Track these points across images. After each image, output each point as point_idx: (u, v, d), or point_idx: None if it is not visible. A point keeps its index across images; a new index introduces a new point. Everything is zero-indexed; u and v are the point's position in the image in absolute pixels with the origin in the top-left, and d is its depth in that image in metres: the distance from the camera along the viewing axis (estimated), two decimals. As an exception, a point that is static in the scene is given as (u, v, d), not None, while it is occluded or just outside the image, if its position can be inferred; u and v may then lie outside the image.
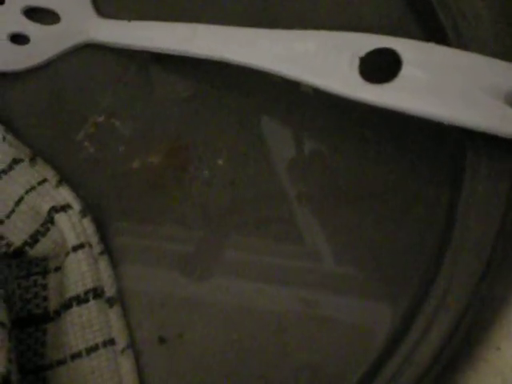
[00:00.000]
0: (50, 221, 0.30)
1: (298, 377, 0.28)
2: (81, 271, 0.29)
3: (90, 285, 0.29)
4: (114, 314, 0.29)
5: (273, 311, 0.29)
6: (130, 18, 0.34)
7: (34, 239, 0.30)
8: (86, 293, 0.29)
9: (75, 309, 0.29)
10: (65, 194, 0.31)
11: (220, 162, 0.32)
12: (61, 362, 0.29)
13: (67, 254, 0.29)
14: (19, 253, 0.30)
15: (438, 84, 0.27)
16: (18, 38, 0.35)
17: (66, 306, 0.29)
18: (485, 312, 0.28)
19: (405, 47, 0.27)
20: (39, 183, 0.31)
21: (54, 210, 0.30)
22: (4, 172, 0.31)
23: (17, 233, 0.31)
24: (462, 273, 0.27)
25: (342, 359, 0.28)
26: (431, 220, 0.29)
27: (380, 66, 0.27)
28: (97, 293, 0.29)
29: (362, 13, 0.33)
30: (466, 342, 0.27)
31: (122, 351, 0.29)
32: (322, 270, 0.30)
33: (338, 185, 0.31)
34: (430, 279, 0.27)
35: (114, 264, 0.30)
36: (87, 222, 0.30)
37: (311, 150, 0.32)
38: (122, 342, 0.29)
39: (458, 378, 0.27)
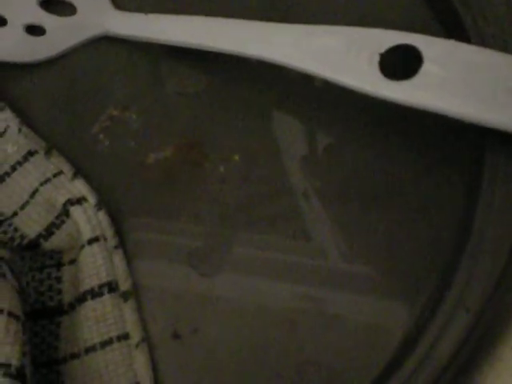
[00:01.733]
0: (65, 213, 0.30)
1: (311, 374, 0.28)
2: (96, 265, 0.29)
3: (104, 278, 0.29)
4: (129, 309, 0.29)
5: (285, 308, 0.29)
6: (146, 11, 0.34)
7: (49, 232, 0.30)
8: (101, 286, 0.29)
9: (90, 302, 0.29)
10: (80, 187, 0.31)
11: (236, 157, 0.31)
12: (75, 356, 0.29)
13: (82, 246, 0.29)
14: (33, 245, 0.30)
15: (459, 81, 0.26)
16: (34, 30, 0.35)
17: (81, 299, 0.29)
18: (501, 312, 0.28)
19: (426, 44, 0.27)
20: (54, 175, 0.31)
21: (70, 202, 0.30)
22: (19, 164, 0.31)
23: (31, 225, 0.31)
24: (480, 272, 0.26)
25: (356, 358, 0.28)
26: (449, 221, 0.29)
27: (400, 63, 0.27)
28: (111, 287, 0.29)
29: (380, 9, 0.33)
30: (482, 342, 0.27)
31: (137, 345, 0.28)
32: (334, 268, 0.30)
33: (352, 182, 0.31)
34: (447, 279, 0.27)
35: (129, 258, 0.30)
36: (102, 215, 0.30)
37: (325, 147, 0.31)
38: (136, 336, 0.29)
39: (474, 377, 0.27)
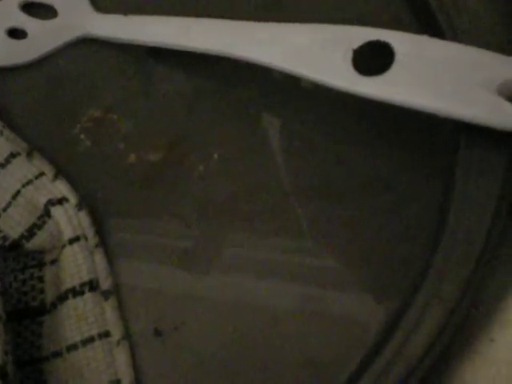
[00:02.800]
0: (46, 214, 0.30)
1: (294, 370, 0.28)
2: (77, 264, 0.29)
3: (85, 277, 0.29)
4: (109, 307, 0.29)
5: (269, 305, 0.29)
6: (126, 13, 0.34)
7: (31, 232, 0.30)
8: (82, 285, 0.29)
9: (71, 301, 0.29)
10: (61, 188, 0.31)
11: (215, 156, 0.32)
12: (57, 354, 0.29)
13: (63, 246, 0.30)
14: (16, 246, 0.30)
15: (431, 76, 0.27)
16: (16, 33, 0.35)
17: (62, 298, 0.29)
18: (478, 304, 0.28)
19: (398, 40, 0.27)
20: (36, 177, 0.31)
21: (51, 203, 0.30)
22: (1, 166, 0.32)
23: (13, 226, 0.31)
24: (455, 266, 0.27)
25: (336, 352, 0.28)
26: (424, 214, 0.29)
27: (374, 59, 0.27)
28: (92, 285, 0.29)
29: (357, 6, 0.33)
30: (459, 335, 0.27)
31: (118, 343, 0.29)
32: (318, 264, 0.30)
33: (334, 179, 0.31)
34: (423, 272, 0.27)
35: (111, 258, 0.30)
36: (83, 215, 0.30)
37: (308, 145, 0.32)
38: (117, 333, 0.29)
39: (452, 369, 0.27)
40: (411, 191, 0.30)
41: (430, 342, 0.26)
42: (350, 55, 0.28)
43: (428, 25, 0.31)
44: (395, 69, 0.27)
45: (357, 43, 0.28)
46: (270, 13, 0.34)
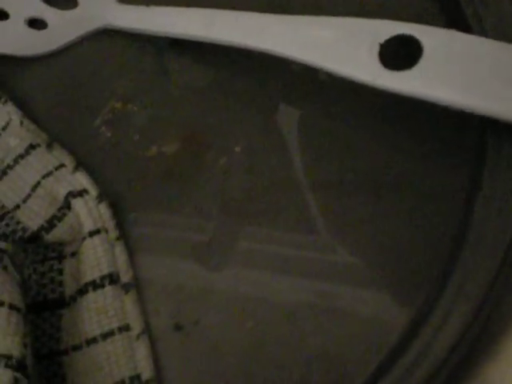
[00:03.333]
0: (66, 206, 0.30)
1: (313, 366, 0.28)
2: (97, 256, 0.29)
3: (105, 270, 0.29)
4: (129, 300, 0.29)
5: (287, 301, 0.29)
6: (148, 3, 0.34)
7: (51, 224, 0.30)
8: (102, 278, 0.29)
9: (91, 294, 0.29)
10: (82, 180, 0.31)
11: (237, 149, 0.31)
12: (76, 348, 0.29)
13: (83, 239, 0.29)
14: (35, 238, 0.30)
15: (459, 72, 0.26)
16: (36, 23, 0.35)
17: (82, 291, 0.29)
18: (503, 304, 0.28)
19: (425, 34, 0.27)
20: (56, 168, 0.31)
21: (71, 195, 0.30)
22: (21, 157, 0.31)
23: (33, 217, 0.31)
24: (481, 264, 0.26)
25: (357, 350, 0.28)
26: (449, 210, 0.29)
27: (400, 53, 0.27)
28: (112, 278, 0.29)
29: (382, 0, 0.33)
30: (484, 334, 0.27)
31: (137, 337, 0.28)
32: (336, 260, 0.30)
33: (355, 174, 0.31)
34: (448, 270, 0.27)
35: (131, 251, 0.30)
36: (104, 208, 0.30)
37: (328, 139, 0.31)
38: (137, 327, 0.29)
39: (476, 370, 0.27)
40: (436, 187, 0.30)
41: (456, 341, 0.26)
42: (376, 49, 0.27)
43: (455, 20, 0.30)
44: (423, 63, 0.26)
45: (383, 37, 0.27)
46: (293, 5, 0.34)
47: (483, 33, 0.29)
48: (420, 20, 0.28)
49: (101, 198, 0.30)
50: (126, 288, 0.29)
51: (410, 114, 0.31)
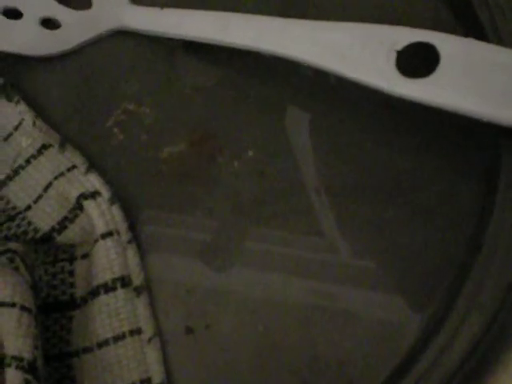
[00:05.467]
0: (78, 207, 0.30)
1: (324, 371, 0.28)
2: (109, 259, 0.29)
3: (117, 273, 0.29)
4: (141, 303, 0.29)
5: (299, 304, 0.29)
6: (162, 6, 0.34)
7: (62, 225, 0.30)
8: (114, 281, 0.29)
9: (103, 297, 0.29)
10: (94, 181, 0.31)
11: (250, 153, 0.31)
12: (87, 350, 0.29)
13: (96, 241, 0.29)
14: (47, 239, 0.30)
15: (476, 80, 0.26)
16: (50, 23, 0.35)
17: (94, 293, 0.29)
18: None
19: (443, 42, 0.27)
20: (68, 169, 0.31)
21: (83, 196, 0.30)
22: (33, 157, 0.31)
23: (44, 218, 0.31)
24: (495, 272, 0.26)
25: (369, 355, 0.28)
26: (464, 217, 0.29)
27: (418, 61, 0.27)
28: (124, 281, 0.29)
29: (398, 7, 0.33)
30: (497, 343, 0.27)
31: (149, 340, 0.28)
32: (346, 264, 0.30)
33: (365, 179, 0.31)
34: (462, 278, 0.27)
35: (142, 253, 0.30)
36: (116, 210, 0.30)
37: (339, 142, 0.31)
38: (148, 331, 0.29)
39: (488, 378, 0.27)
40: (450, 193, 0.30)
41: (469, 351, 0.26)
42: (393, 56, 0.27)
43: (471, 28, 0.30)
44: (440, 71, 0.26)
45: (401, 44, 0.27)
46: (307, 10, 0.34)
47: (500, 41, 0.29)
48: (435, 27, 0.28)
49: (113, 199, 0.30)
50: (138, 291, 0.29)
51: (423, 120, 0.31)
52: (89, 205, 0.30)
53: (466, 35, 0.27)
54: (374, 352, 0.28)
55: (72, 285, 0.30)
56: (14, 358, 0.25)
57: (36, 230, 0.30)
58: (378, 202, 0.30)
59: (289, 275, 0.30)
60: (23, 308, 0.27)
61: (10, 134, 0.32)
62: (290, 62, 0.30)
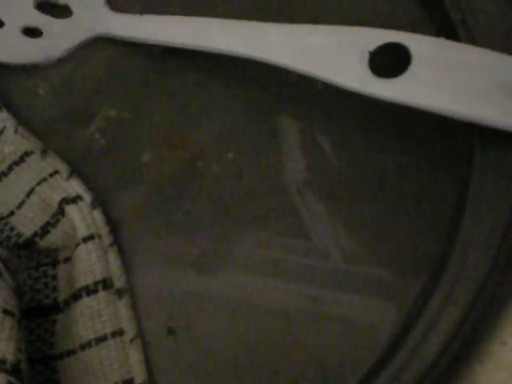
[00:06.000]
0: (60, 212, 0.30)
1: (304, 370, 0.29)
2: (90, 262, 0.29)
3: (99, 276, 0.29)
4: (123, 305, 0.29)
5: (279, 306, 0.29)
6: (142, 13, 0.34)
7: (45, 230, 0.30)
8: (96, 284, 0.29)
9: (85, 299, 0.29)
10: (75, 186, 0.31)
11: (230, 155, 0.32)
12: (70, 352, 0.29)
13: (77, 245, 0.30)
14: (29, 244, 0.30)
15: (448, 79, 0.27)
16: (31, 32, 0.35)
17: (76, 296, 0.29)
18: (491, 307, 0.28)
19: (414, 42, 0.27)
20: (50, 175, 0.31)
21: (65, 201, 0.30)
22: (16, 164, 0.32)
23: (27, 224, 0.31)
24: (470, 268, 0.27)
25: (347, 354, 0.29)
26: (439, 215, 0.29)
27: (390, 61, 0.27)
28: (106, 284, 0.29)
29: (372, 8, 0.33)
30: (472, 337, 0.27)
31: (131, 341, 0.29)
32: (329, 266, 0.30)
33: (347, 179, 0.31)
34: (437, 274, 0.27)
35: (124, 256, 0.31)
36: (97, 214, 0.30)
37: (321, 144, 0.32)
38: (130, 332, 0.29)
39: (464, 372, 0.27)
40: (425, 192, 0.30)
41: (444, 346, 0.26)
42: (366, 57, 0.28)
43: (443, 28, 0.31)
44: (412, 71, 0.27)
45: (373, 45, 0.28)
46: (284, 13, 0.34)
47: (471, 40, 0.29)
48: (409, 28, 0.28)
49: (94, 204, 0.31)
50: (120, 293, 0.29)
51: (404, 119, 0.31)
52: (70, 209, 0.30)
53: (438, 35, 0.28)
54: (353, 350, 0.29)
55: (55, 288, 0.30)
56: (-4, 360, 0.26)
57: (19, 235, 0.31)
58: (357, 201, 0.31)
59: (269, 277, 0.30)
60: (6, 312, 0.27)
61: (-7, 142, 0.32)
62: (273, 66, 0.30)
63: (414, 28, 0.28)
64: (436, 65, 0.27)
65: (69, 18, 0.35)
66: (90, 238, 0.30)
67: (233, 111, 0.33)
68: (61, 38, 0.35)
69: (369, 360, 0.28)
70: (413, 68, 0.27)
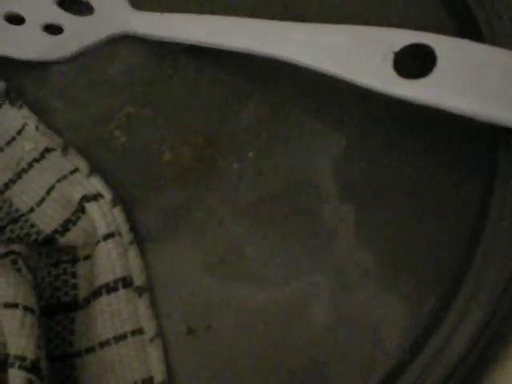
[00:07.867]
0: (80, 210, 0.30)
1: (324, 372, 0.28)
2: (111, 260, 0.29)
3: (119, 274, 0.29)
4: (143, 304, 0.29)
5: (299, 305, 0.29)
6: (162, 11, 0.34)
7: (65, 227, 0.30)
8: (116, 281, 0.29)
9: (104, 297, 0.29)
10: (96, 184, 0.31)
11: (250, 154, 0.32)
12: (89, 350, 0.29)
13: (97, 242, 0.30)
14: (49, 241, 0.30)
15: (472, 80, 0.27)
16: (52, 29, 0.35)
17: (96, 294, 0.29)
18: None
19: (439, 43, 0.27)
20: (71, 172, 0.31)
21: (85, 199, 0.30)
22: (36, 161, 0.32)
23: (47, 221, 0.31)
24: (493, 269, 0.27)
25: (367, 357, 0.28)
26: (463, 216, 0.29)
27: (415, 62, 0.27)
28: (126, 282, 0.29)
29: (395, 9, 0.33)
30: (494, 343, 0.27)
31: (151, 340, 0.29)
32: (351, 267, 0.30)
33: (370, 180, 0.31)
34: (460, 278, 0.27)
35: (144, 254, 0.30)
36: (118, 212, 0.30)
37: (341, 145, 0.32)
38: (150, 331, 0.29)
39: (485, 377, 0.27)
40: (449, 194, 0.30)
41: (467, 349, 0.26)
42: (390, 57, 0.28)
43: (468, 29, 0.30)
44: (437, 72, 0.27)
45: (398, 46, 0.28)
46: (308, 13, 0.34)
47: (496, 42, 0.29)
48: (432, 28, 0.28)
49: (115, 201, 0.31)
50: (140, 291, 0.29)
51: (424, 122, 0.31)
52: (91, 207, 0.30)
53: (462, 35, 0.28)
54: (372, 353, 0.28)
55: (74, 286, 0.30)
56: (16, 357, 0.26)
57: (39, 233, 0.31)
58: (378, 202, 0.30)
59: (290, 277, 0.30)
60: (26, 308, 0.27)
61: (13, 139, 0.32)
62: (294, 66, 0.30)
63: (437, 28, 0.28)
64: (461, 66, 0.27)
65: (90, 16, 0.35)
66: (111, 235, 0.30)
67: (254, 110, 0.33)
68: (82, 35, 0.35)
69: (389, 363, 0.28)
70: (438, 69, 0.27)
